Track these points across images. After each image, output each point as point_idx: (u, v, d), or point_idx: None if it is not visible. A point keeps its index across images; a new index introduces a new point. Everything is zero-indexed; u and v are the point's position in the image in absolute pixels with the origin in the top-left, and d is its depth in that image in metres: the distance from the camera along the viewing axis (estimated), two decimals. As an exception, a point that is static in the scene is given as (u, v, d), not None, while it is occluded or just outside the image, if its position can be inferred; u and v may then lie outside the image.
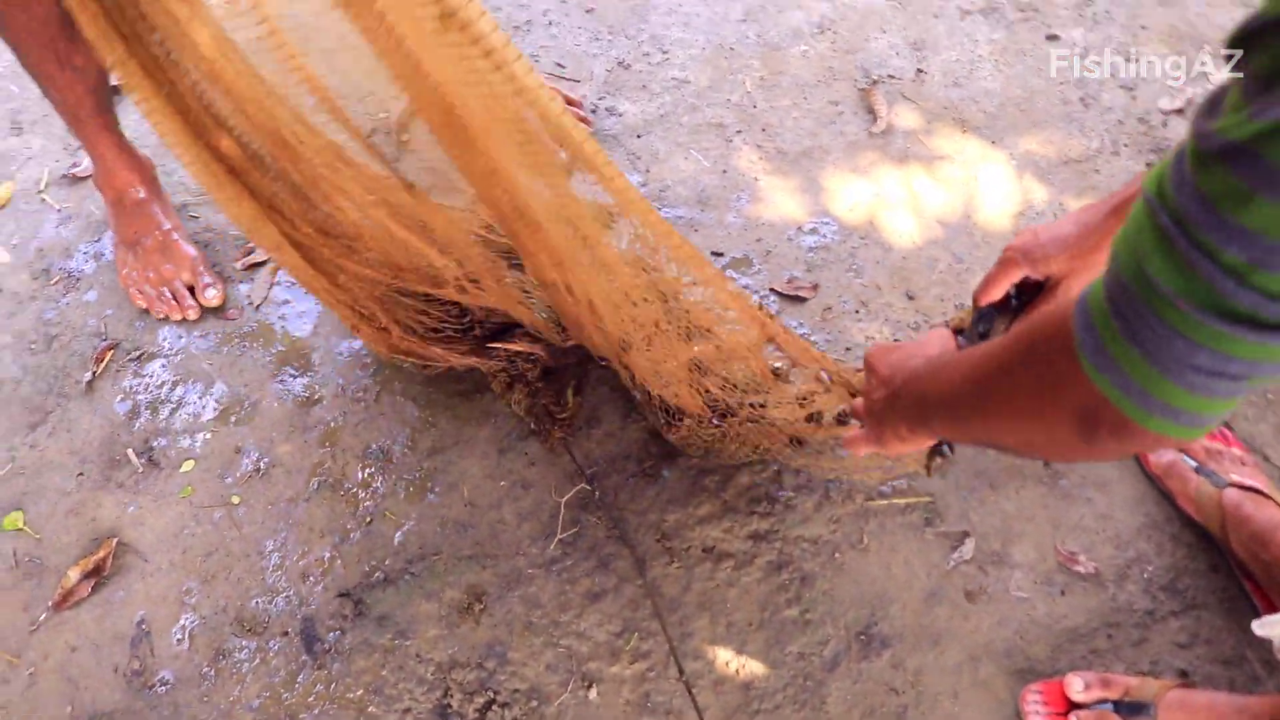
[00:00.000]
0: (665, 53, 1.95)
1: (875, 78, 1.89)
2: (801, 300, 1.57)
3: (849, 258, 1.62)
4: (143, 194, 1.61)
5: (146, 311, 1.61)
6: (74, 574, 1.36)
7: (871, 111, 1.84)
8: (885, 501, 1.35)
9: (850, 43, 1.95)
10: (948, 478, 1.37)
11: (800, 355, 1.17)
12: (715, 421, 1.31)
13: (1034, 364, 0.65)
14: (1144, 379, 0.55)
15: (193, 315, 1.59)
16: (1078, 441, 0.63)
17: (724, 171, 1.75)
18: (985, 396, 0.74)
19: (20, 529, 1.41)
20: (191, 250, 1.62)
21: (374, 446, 1.44)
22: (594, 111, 1.85)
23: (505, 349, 1.44)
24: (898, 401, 0.94)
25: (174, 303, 1.59)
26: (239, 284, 1.64)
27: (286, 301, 1.61)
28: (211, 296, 1.59)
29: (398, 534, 1.36)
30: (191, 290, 1.60)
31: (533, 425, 1.44)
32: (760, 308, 1.12)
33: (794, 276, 1.60)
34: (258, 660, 1.28)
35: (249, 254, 1.67)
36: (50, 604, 1.35)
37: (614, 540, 1.34)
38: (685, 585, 1.30)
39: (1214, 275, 0.48)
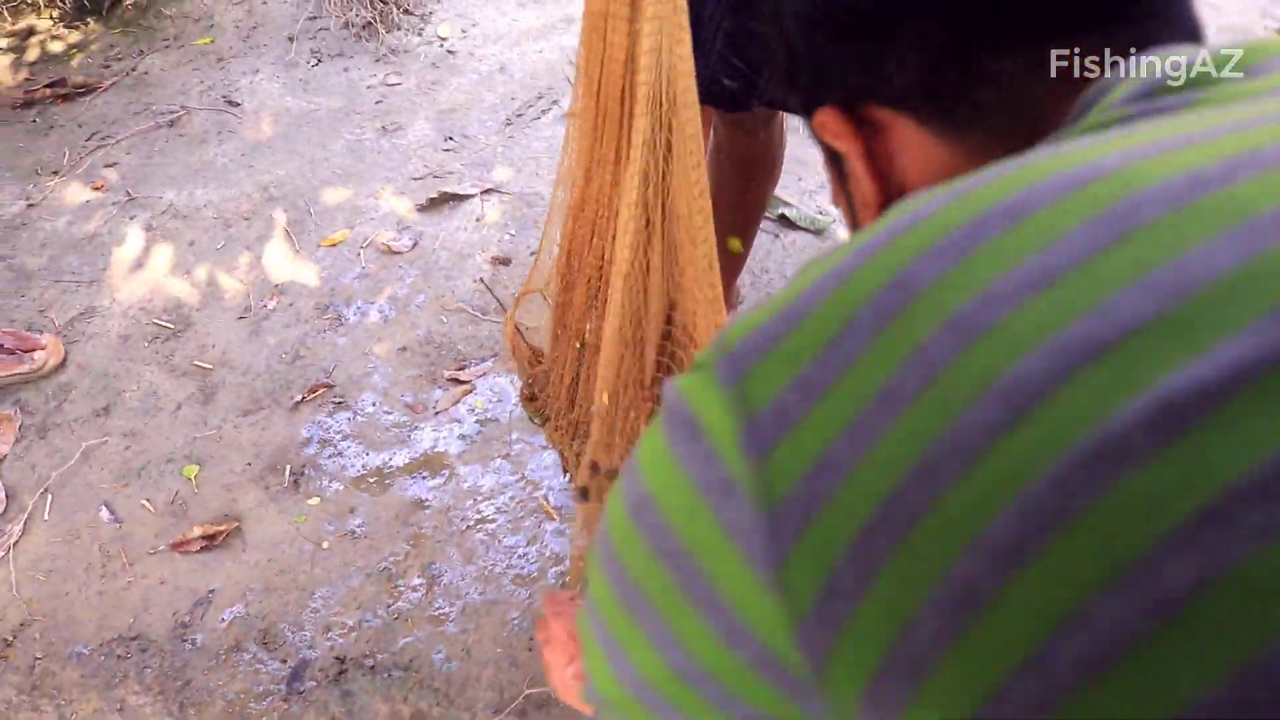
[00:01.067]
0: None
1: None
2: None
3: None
4: None
5: None
6: (196, 530, 1.78)
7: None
8: None
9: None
10: None
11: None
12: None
13: None
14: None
15: None
16: None
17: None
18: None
19: (190, 479, 1.86)
20: None
21: (436, 565, 1.77)
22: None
23: None
24: None
25: None
26: (438, 388, 2.03)
27: (458, 420, 1.98)
28: None
29: (404, 639, 1.67)
30: None
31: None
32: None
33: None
34: (254, 669, 1.63)
35: (460, 369, 2.06)
36: (170, 543, 1.77)
37: (537, 748, 1.57)
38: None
39: None
